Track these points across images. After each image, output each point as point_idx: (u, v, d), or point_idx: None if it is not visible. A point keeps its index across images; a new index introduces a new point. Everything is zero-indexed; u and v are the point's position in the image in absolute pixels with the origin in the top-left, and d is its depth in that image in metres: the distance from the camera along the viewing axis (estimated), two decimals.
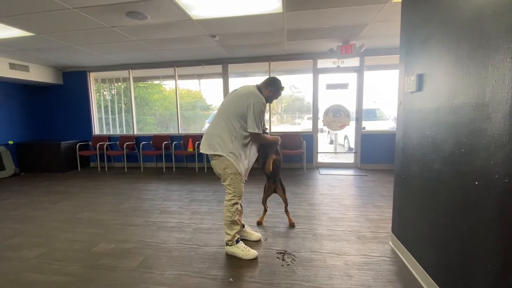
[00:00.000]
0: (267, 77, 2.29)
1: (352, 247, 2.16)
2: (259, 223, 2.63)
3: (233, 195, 2.03)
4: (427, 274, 1.60)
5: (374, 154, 5.16)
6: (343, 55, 4.26)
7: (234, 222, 2.04)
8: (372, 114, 6.64)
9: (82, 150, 5.78)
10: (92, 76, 6.03)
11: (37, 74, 5.39)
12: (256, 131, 1.97)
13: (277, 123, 6.15)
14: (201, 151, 2.08)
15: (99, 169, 5.71)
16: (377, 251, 2.08)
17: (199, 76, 5.88)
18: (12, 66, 4.88)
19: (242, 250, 2.04)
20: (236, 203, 2.04)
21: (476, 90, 1.18)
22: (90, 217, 2.93)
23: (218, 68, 5.48)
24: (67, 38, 3.76)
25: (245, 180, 2.11)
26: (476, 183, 1.17)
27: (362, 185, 4.02)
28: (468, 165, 1.22)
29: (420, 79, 1.71)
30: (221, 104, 2.10)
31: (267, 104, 2.11)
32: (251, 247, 2.12)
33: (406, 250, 1.90)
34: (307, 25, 3.52)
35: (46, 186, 4.38)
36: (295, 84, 5.98)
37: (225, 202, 2.06)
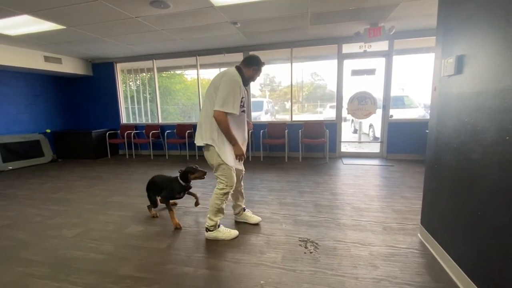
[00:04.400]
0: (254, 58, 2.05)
1: (377, 237, 2.11)
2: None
3: (225, 184, 2.05)
4: (459, 268, 1.53)
5: (401, 143, 4.93)
6: (371, 39, 4.03)
7: (220, 210, 2.09)
8: (400, 102, 6.31)
9: (111, 138, 6.10)
10: (118, 67, 6.25)
11: (69, 66, 5.68)
12: (220, 108, 1.85)
13: (298, 112, 6.04)
14: (195, 142, 2.09)
15: (127, 156, 6.00)
16: (405, 243, 2.01)
17: (220, 65, 5.87)
18: (47, 58, 5.18)
19: (224, 233, 2.12)
20: (228, 193, 2.07)
21: None
22: (121, 201, 3.11)
23: (239, 56, 5.43)
24: (95, 30, 3.89)
25: (238, 167, 2.14)
26: None
27: (388, 175, 3.88)
28: None
29: (460, 60, 1.57)
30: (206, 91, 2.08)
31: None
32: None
33: (437, 243, 1.81)
34: (332, 7, 3.35)
35: (80, 172, 4.69)
36: (317, 71, 5.79)
37: (216, 190, 2.09)
